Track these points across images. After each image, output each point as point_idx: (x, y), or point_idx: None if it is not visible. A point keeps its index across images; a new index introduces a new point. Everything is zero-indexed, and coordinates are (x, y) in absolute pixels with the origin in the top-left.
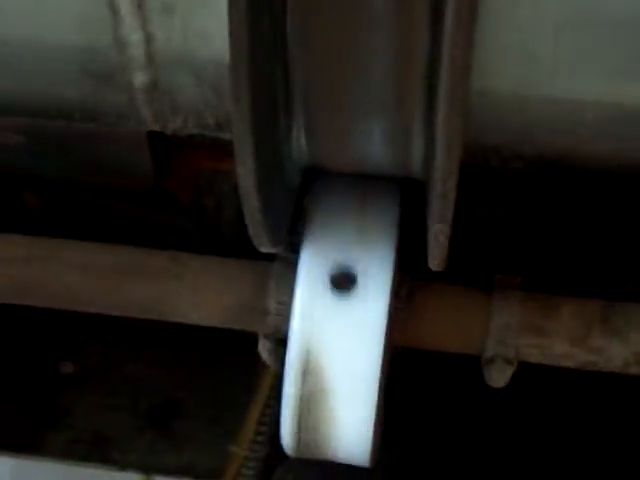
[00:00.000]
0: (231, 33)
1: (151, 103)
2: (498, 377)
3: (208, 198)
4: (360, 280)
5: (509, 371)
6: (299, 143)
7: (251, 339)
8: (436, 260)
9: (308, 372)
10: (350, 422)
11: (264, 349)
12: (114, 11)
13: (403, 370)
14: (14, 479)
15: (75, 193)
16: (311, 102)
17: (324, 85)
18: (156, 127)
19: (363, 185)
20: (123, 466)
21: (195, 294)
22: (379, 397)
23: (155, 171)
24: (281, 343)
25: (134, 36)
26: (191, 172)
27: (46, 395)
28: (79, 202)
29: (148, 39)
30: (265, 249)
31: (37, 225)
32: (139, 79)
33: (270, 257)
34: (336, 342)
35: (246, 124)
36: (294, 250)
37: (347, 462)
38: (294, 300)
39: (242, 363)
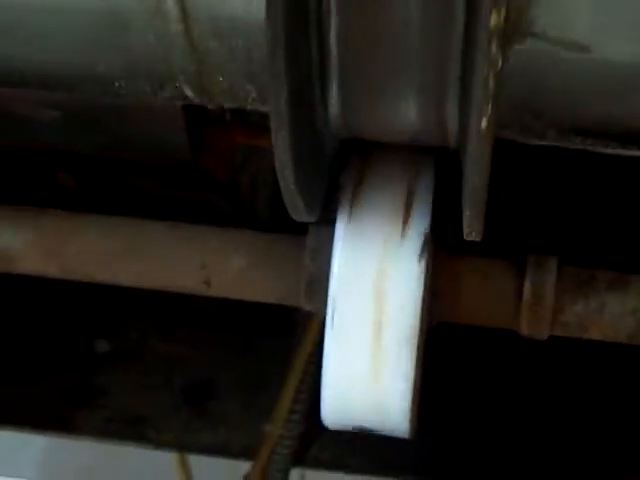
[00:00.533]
0: (268, 10)
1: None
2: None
3: (243, 175)
4: None
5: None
6: (334, 112)
7: (285, 317)
8: (473, 231)
9: None
10: (389, 391)
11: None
12: None
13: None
14: (48, 458)
15: (110, 172)
16: (346, 70)
17: (358, 52)
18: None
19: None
20: (158, 445)
21: (224, 267)
22: (417, 366)
23: (191, 147)
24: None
25: None
26: (227, 149)
27: (81, 374)
28: (114, 181)
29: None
30: (300, 218)
31: (73, 205)
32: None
33: (304, 233)
34: None
35: (282, 89)
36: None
37: (386, 433)
38: None
39: (276, 341)
